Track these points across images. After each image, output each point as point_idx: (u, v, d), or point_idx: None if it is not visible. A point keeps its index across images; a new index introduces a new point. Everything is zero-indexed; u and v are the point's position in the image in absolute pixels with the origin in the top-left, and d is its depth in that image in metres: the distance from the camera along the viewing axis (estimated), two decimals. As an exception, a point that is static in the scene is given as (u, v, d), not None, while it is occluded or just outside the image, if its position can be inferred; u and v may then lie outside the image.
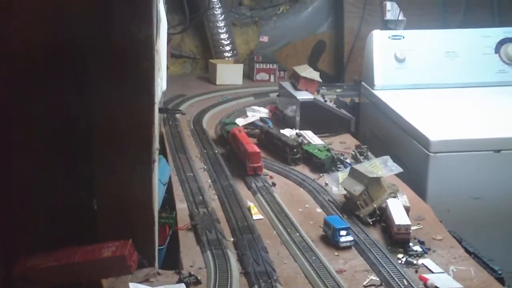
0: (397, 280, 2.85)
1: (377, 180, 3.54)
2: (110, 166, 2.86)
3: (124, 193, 2.90)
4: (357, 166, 3.79)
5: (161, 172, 3.61)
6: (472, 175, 4.48)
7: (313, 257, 3.06)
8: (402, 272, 2.91)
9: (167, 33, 3.78)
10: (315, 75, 5.31)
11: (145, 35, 2.74)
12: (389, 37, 5.79)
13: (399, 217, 3.26)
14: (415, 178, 4.32)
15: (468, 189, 4.47)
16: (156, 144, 2.91)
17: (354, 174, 3.64)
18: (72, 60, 2.80)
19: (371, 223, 3.44)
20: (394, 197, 3.54)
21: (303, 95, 5.13)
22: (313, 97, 5.13)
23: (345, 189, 3.66)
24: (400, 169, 4.05)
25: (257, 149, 4.12)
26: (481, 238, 3.73)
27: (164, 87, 3.85)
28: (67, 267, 2.72)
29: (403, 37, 5.80)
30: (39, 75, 2.80)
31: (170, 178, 3.95)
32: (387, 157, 4.19)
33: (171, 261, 3.26)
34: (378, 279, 2.92)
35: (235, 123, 4.92)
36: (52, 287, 2.70)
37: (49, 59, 2.80)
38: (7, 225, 2.89)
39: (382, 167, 4.05)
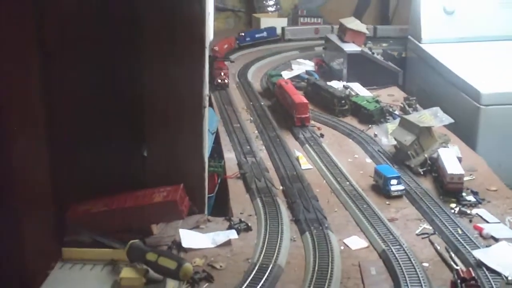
0: (451, 229, 2.80)
1: (428, 130, 3.47)
2: (161, 112, 2.84)
3: (175, 140, 2.89)
4: (407, 117, 3.72)
5: (209, 122, 3.58)
6: (524, 128, 4.36)
7: (364, 205, 3.02)
8: (456, 221, 2.86)
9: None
10: (362, 27, 5.21)
11: (195, -22, 2.70)
12: (437, -11, 5.62)
13: (452, 167, 3.19)
14: (464, 133, 4.20)
15: (521, 143, 4.36)
16: (206, 90, 2.88)
17: (405, 124, 3.57)
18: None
19: (422, 173, 3.39)
20: (445, 147, 3.47)
21: (350, 47, 5.05)
22: (360, 49, 5.04)
23: (395, 139, 3.59)
24: (451, 120, 3.97)
25: (305, 100, 4.07)
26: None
27: (211, 36, 3.80)
28: (118, 212, 2.72)
29: (453, -12, 5.63)
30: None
31: (217, 128, 3.93)
32: (437, 108, 4.11)
33: (220, 210, 3.24)
34: (431, 227, 2.87)
35: (281, 75, 4.88)
36: (103, 232, 2.69)
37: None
38: (61, 173, 2.91)
39: (432, 118, 3.97)
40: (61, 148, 2.90)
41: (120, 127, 2.91)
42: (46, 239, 2.87)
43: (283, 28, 6.50)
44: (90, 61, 2.80)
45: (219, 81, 4.86)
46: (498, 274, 2.42)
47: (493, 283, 2.36)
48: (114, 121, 2.90)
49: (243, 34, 6.19)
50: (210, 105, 4.21)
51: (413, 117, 3.82)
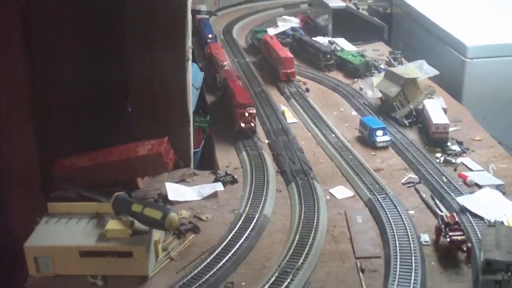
0: (436, 177, 2.81)
1: (413, 81, 3.47)
2: (144, 64, 2.82)
3: (159, 93, 2.88)
4: (393, 69, 3.72)
5: (194, 77, 3.56)
6: (510, 81, 4.35)
7: (350, 156, 3.03)
8: (441, 170, 2.87)
9: None
10: (347, -18, 5.18)
11: None
12: None
13: (437, 117, 3.20)
14: (449, 86, 4.20)
15: (505, 95, 4.35)
16: (189, 43, 2.85)
17: (390, 76, 3.57)
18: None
19: (408, 124, 3.39)
20: (431, 98, 3.47)
21: (336, 3, 5.02)
22: (345, 4, 5.01)
23: (380, 91, 3.59)
24: (436, 72, 3.96)
25: (290, 55, 4.05)
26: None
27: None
28: (103, 166, 2.70)
29: None
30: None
31: (202, 84, 3.91)
32: (422, 61, 4.09)
33: (206, 164, 3.24)
34: (416, 177, 2.88)
35: (266, 32, 4.84)
36: (89, 186, 2.68)
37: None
38: (47, 129, 2.89)
39: (418, 70, 3.96)
40: (46, 105, 2.89)
41: (104, 82, 2.89)
42: (32, 195, 2.88)
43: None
44: (74, 24, 2.79)
45: (243, 125, 3.24)
46: (480, 218, 2.44)
47: (476, 227, 2.38)
48: (98, 78, 2.88)
49: None
50: (194, 60, 4.19)
51: (398, 69, 3.82)
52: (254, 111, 3.29)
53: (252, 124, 3.24)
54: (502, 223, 2.30)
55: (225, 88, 3.66)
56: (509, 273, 1.91)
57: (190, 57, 2.87)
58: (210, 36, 4.59)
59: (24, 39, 2.78)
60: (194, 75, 3.60)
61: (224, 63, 3.97)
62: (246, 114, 3.24)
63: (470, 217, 2.46)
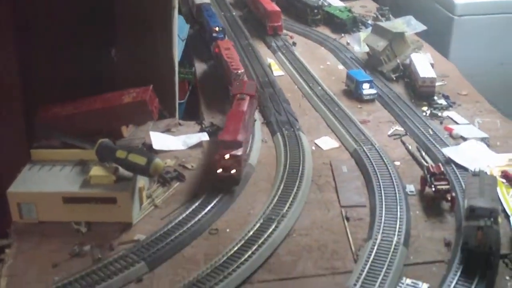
0: (422, 129, 2.81)
1: (401, 36, 3.44)
2: (130, 10, 2.78)
3: (144, 41, 2.83)
4: (381, 23, 3.69)
5: (180, 28, 3.51)
6: (497, 39, 4.35)
7: (336, 108, 3.01)
8: (427, 123, 2.87)
9: None
10: None
11: None
12: None
13: (424, 71, 3.19)
14: (437, 44, 4.18)
15: (493, 54, 4.37)
16: (175, -10, 2.81)
17: (378, 31, 3.54)
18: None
19: (394, 78, 3.38)
20: (418, 52, 3.45)
21: (323, -42, 4.95)
22: (333, -41, 4.94)
23: (368, 45, 3.56)
24: (423, 27, 3.93)
25: (277, 8, 4.00)
26: (505, 104, 3.64)
27: None
28: (87, 114, 2.66)
29: None
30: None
31: (188, 36, 3.86)
32: (410, 17, 4.06)
33: (191, 116, 3.21)
34: (402, 129, 2.88)
35: (253, -14, 4.78)
36: (73, 134, 2.65)
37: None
38: (30, 77, 2.85)
39: (405, 26, 3.93)
40: (31, 52, 2.84)
41: (89, 29, 2.85)
42: (15, 143, 2.84)
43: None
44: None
45: (219, 171, 2.35)
46: (465, 169, 2.44)
47: (460, 178, 2.39)
48: (84, 24, 2.83)
49: None
50: (180, 13, 4.13)
51: (386, 24, 3.79)
52: (240, 153, 2.34)
53: (233, 171, 2.34)
54: (486, 173, 2.30)
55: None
56: (492, 219, 1.91)
57: (177, 5, 2.83)
58: (217, 29, 3.69)
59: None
60: (180, 26, 3.55)
61: (239, 71, 3.06)
62: (227, 156, 2.34)
63: (455, 168, 2.47)
